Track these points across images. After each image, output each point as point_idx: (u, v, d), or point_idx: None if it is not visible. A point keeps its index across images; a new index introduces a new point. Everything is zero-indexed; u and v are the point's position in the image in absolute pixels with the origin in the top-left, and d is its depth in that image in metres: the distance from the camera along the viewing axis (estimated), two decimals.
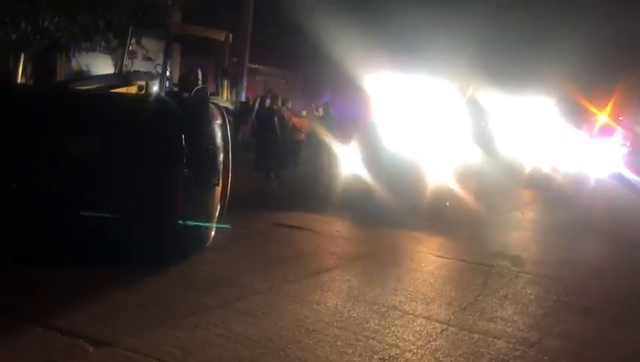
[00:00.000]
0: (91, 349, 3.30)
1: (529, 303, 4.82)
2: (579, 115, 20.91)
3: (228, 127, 5.60)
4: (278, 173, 10.99)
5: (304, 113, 12.90)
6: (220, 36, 10.56)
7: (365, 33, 16.71)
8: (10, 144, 4.51)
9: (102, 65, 12.57)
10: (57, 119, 4.56)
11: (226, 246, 5.56)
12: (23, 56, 8.60)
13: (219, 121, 5.39)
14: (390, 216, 7.58)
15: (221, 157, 5.36)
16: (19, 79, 8.86)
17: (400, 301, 4.59)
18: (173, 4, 9.77)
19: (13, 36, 7.83)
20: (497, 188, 11.99)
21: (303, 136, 12.45)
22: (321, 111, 13.19)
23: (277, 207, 8.00)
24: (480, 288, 5.12)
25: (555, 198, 11.76)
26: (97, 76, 10.17)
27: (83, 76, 10.50)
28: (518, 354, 3.79)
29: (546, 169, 14.07)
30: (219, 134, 5.28)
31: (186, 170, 4.71)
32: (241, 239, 5.99)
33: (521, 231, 8.15)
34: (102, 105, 5.13)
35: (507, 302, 4.80)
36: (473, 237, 7.32)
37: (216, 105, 5.74)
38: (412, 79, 11.59)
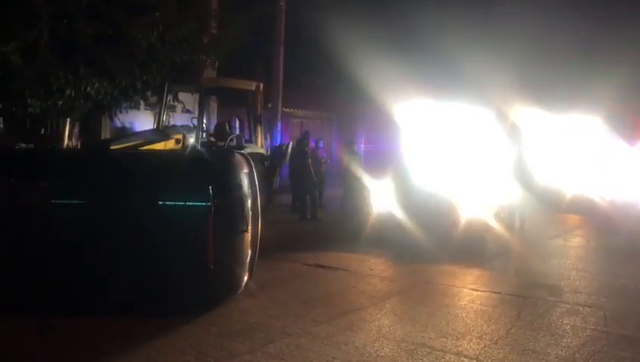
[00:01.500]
0: None
1: (564, 334, 4.72)
2: (631, 133, 20.09)
3: (255, 175, 5.82)
4: (315, 213, 11.14)
5: (321, 143, 13.09)
6: (251, 86, 11.02)
7: (398, 65, 16.93)
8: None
9: (144, 121, 13.28)
10: (90, 179, 4.91)
11: (258, 290, 5.71)
12: (68, 120, 9.20)
13: (246, 170, 5.62)
14: (424, 252, 7.56)
15: (249, 204, 5.55)
16: (65, 141, 9.47)
17: (430, 337, 4.59)
18: (205, 61, 10.27)
19: (60, 103, 8.42)
20: (538, 216, 11.74)
21: (323, 169, 12.62)
22: (353, 148, 13.31)
23: (311, 248, 8.10)
24: (513, 320, 5.05)
25: (601, 224, 11.37)
26: (137, 133, 10.76)
27: (123, 134, 11.10)
28: None
29: (590, 193, 13.61)
30: (246, 182, 5.50)
31: (215, 219, 4.92)
32: (274, 283, 6.13)
33: (561, 258, 7.94)
34: (134, 162, 5.47)
35: (541, 334, 4.71)
36: (510, 269, 7.20)
37: (243, 154, 5.98)
38: (445, 107, 11.61)
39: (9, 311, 4.57)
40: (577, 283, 6.53)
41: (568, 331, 4.80)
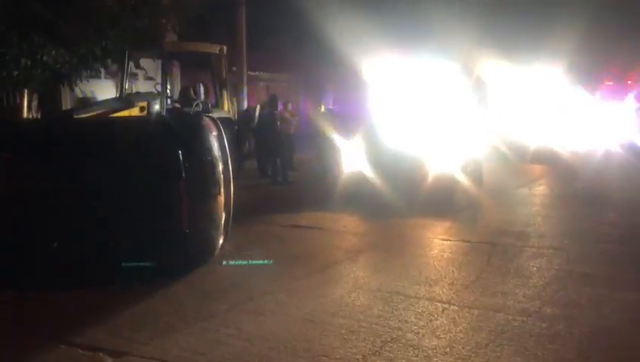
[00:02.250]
0: (110, 360, 3.52)
1: (531, 275, 4.95)
2: (589, 83, 20.46)
3: (225, 138, 5.78)
4: (286, 175, 11.16)
5: (290, 106, 13.03)
6: (215, 49, 10.82)
7: (363, 22, 16.79)
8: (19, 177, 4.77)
9: (106, 90, 12.95)
10: (59, 148, 4.81)
11: (235, 253, 5.76)
12: (26, 91, 8.90)
13: (215, 133, 5.58)
14: (396, 208, 7.70)
15: (220, 167, 5.54)
16: (24, 113, 9.19)
17: (403, 286, 4.75)
18: (166, 25, 9.99)
19: (15, 73, 8.13)
20: (505, 167, 12.07)
21: (292, 130, 12.59)
22: (323, 107, 13.31)
23: (286, 210, 8.16)
24: (483, 266, 5.26)
25: (564, 172, 11.77)
26: (100, 102, 10.49)
27: (86, 103, 10.82)
28: (516, 324, 3.92)
29: (553, 143, 13.98)
30: (215, 145, 5.47)
31: (186, 183, 4.92)
32: (251, 245, 6.18)
33: (527, 206, 8.23)
34: (100, 131, 5.38)
35: (509, 277, 4.93)
36: (479, 218, 7.43)
37: (212, 117, 5.93)
38: (411, 64, 11.64)
39: None
40: (542, 228, 6.81)
41: (535, 272, 5.04)
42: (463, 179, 9.04)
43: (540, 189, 9.76)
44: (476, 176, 9.81)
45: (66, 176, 4.96)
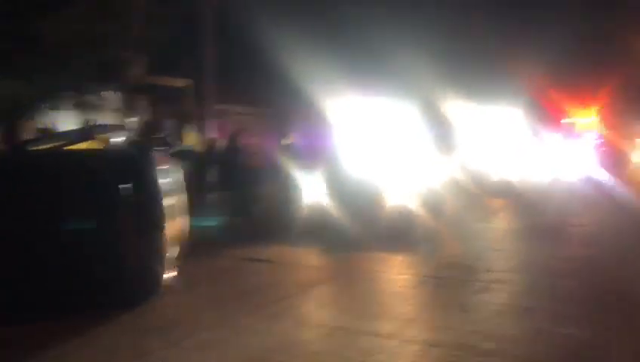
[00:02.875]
0: None
1: (472, 309, 5.01)
2: (549, 119, 21.14)
3: (180, 172, 5.82)
4: (247, 208, 11.13)
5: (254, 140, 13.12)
6: (180, 84, 10.90)
7: (327, 60, 17.16)
8: None
9: (68, 121, 12.85)
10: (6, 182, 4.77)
11: (184, 287, 5.71)
12: None
13: (164, 166, 5.61)
14: (353, 241, 7.78)
15: (170, 201, 5.54)
16: None
17: (347, 320, 4.77)
18: (132, 59, 10.05)
19: None
20: (466, 201, 12.28)
21: (255, 163, 12.64)
22: (286, 141, 13.36)
23: (243, 243, 8.12)
24: (428, 300, 5.33)
25: (523, 206, 12.03)
26: (59, 133, 10.37)
27: (45, 135, 10.69)
28: (454, 359, 3.96)
29: (514, 177, 14.35)
30: (165, 180, 5.49)
31: (127, 217, 4.90)
32: (201, 279, 6.14)
33: (481, 240, 8.35)
34: (46, 164, 5.34)
35: (452, 311, 4.98)
36: (432, 252, 7.50)
37: (163, 150, 5.96)
38: (373, 102, 11.94)
39: None
40: (492, 262, 6.92)
41: (478, 307, 5.11)
42: (423, 212, 9.21)
43: (497, 222, 9.95)
44: (436, 209, 10.01)
45: (11, 209, 4.90)
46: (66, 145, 9.07)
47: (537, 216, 10.43)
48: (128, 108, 10.46)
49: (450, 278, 6.05)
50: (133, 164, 5.26)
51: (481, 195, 13.16)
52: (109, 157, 5.59)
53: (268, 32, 16.10)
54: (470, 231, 9.13)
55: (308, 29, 18.33)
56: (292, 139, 13.32)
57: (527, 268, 6.56)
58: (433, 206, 10.00)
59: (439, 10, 20.41)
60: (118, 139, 10.08)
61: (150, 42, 10.28)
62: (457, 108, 16.61)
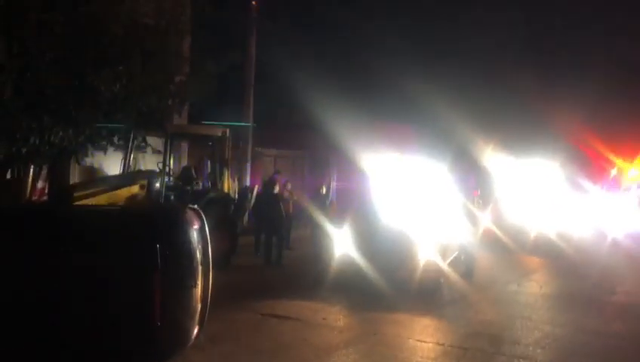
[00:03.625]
0: None
1: None
2: (592, 170, 20.45)
3: (206, 229, 6.00)
4: (280, 255, 11.26)
5: (289, 185, 13.29)
6: (217, 132, 11.29)
7: (366, 108, 17.48)
8: None
9: (113, 162, 13.43)
10: (37, 239, 5.05)
11: (208, 344, 5.83)
12: (32, 167, 9.33)
13: (196, 226, 5.79)
14: (380, 299, 7.78)
15: (199, 258, 5.72)
16: (29, 186, 9.58)
17: None
18: (172, 108, 10.53)
19: (24, 150, 8.57)
20: (501, 258, 12.08)
21: (290, 209, 12.81)
22: (323, 190, 13.42)
23: (269, 296, 8.20)
24: None
25: (561, 267, 11.70)
26: (102, 178, 10.91)
27: (89, 179, 11.23)
28: None
29: (554, 233, 13.79)
30: (195, 238, 5.66)
31: (162, 276, 5.08)
32: (224, 335, 6.24)
33: (509, 306, 8.20)
34: (82, 221, 5.63)
35: None
36: (458, 317, 7.42)
37: (195, 209, 6.16)
38: (408, 159, 12.02)
39: None
40: (519, 332, 6.77)
41: None
42: (453, 272, 9.12)
43: (529, 286, 9.71)
44: (467, 269, 9.89)
45: (42, 264, 5.14)
46: (107, 190, 9.59)
47: (576, 281, 10.16)
48: (165, 155, 10.86)
49: (474, 349, 5.96)
50: (168, 223, 5.48)
51: (517, 252, 12.91)
52: (144, 215, 5.84)
53: (306, 79, 16.61)
54: (501, 295, 8.98)
55: (345, 74, 18.82)
56: (326, 187, 13.49)
57: (552, 343, 6.38)
58: (465, 264, 9.91)
59: (475, 60, 20.53)
60: (157, 184, 10.58)
61: (192, 92, 10.74)
62: (494, 160, 16.47)
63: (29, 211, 6.07)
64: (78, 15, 7.79)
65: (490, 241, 12.48)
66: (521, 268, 11.47)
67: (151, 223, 5.49)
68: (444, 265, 8.92)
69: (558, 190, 15.80)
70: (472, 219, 11.50)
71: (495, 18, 20.74)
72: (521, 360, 5.69)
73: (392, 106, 18.77)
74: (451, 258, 9.35)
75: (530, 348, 6.07)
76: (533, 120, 19.86)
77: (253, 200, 11.87)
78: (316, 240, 11.19)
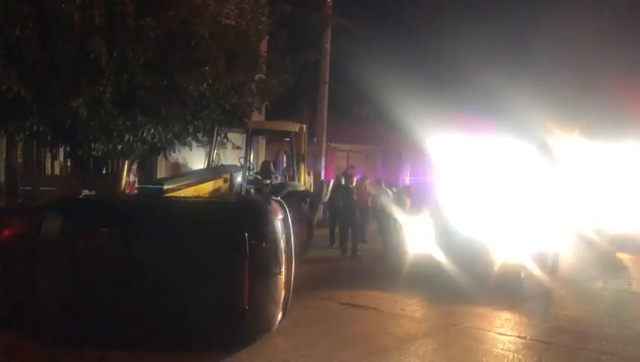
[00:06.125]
0: None
1: None
2: None
3: (289, 219, 6.30)
4: (356, 249, 11.46)
5: (367, 180, 13.36)
6: (295, 128, 11.66)
7: (439, 98, 17.21)
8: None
9: (196, 158, 14.18)
10: (139, 226, 5.54)
11: (291, 329, 6.11)
12: (126, 162, 10.05)
13: (280, 216, 6.11)
14: (458, 293, 7.76)
15: (283, 247, 6.02)
16: (124, 179, 10.34)
17: None
18: (252, 106, 10.95)
19: (119, 146, 9.27)
20: (586, 255, 11.58)
21: (369, 203, 12.87)
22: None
23: (347, 286, 8.40)
24: None
25: None
26: (188, 173, 11.58)
27: (176, 173, 11.93)
28: None
29: None
30: (279, 228, 5.98)
31: (250, 263, 5.42)
32: (307, 321, 6.50)
33: (595, 303, 7.91)
34: (177, 211, 6.10)
35: None
36: (541, 312, 7.27)
37: (279, 201, 6.47)
38: (485, 143, 11.75)
39: (72, 343, 5.21)
40: (606, 329, 6.55)
41: None
42: (535, 268, 8.88)
43: (617, 283, 9.30)
44: (550, 265, 9.57)
45: (144, 250, 5.64)
46: (194, 183, 10.19)
47: None
48: (246, 151, 11.33)
49: (557, 344, 5.86)
50: (255, 214, 5.83)
51: (604, 248, 12.33)
52: (233, 207, 6.23)
53: (380, 71, 16.62)
54: (584, 291, 8.67)
55: (418, 68, 18.61)
56: (404, 182, 13.52)
57: None
58: (548, 260, 9.60)
59: (557, 42, 19.52)
60: (238, 178, 11.09)
61: (269, 91, 11.08)
62: (578, 147, 15.63)
63: (134, 201, 6.65)
64: (169, 19, 8.30)
65: (574, 236, 11.97)
66: (609, 265, 10.97)
67: (240, 214, 5.88)
68: (525, 261, 8.71)
69: None
70: (555, 212, 11.09)
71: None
72: (608, 356, 5.53)
73: (468, 99, 18.38)
74: (533, 253, 9.10)
75: (620, 345, 5.88)
76: (620, 101, 18.24)
77: (328, 194, 12.12)
78: (386, 233, 11.27)
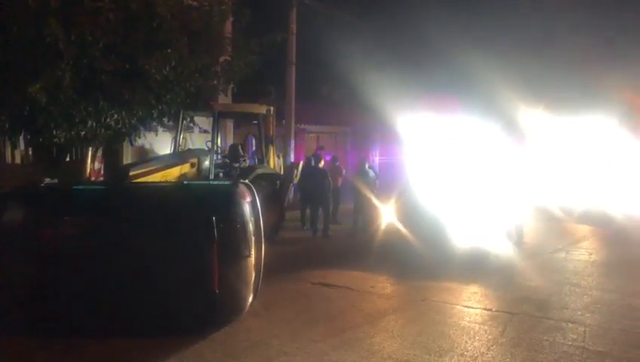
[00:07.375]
0: None
1: (541, 349, 5.05)
2: None
3: (258, 202, 6.30)
4: (327, 228, 11.52)
5: (337, 161, 13.44)
6: (262, 110, 11.58)
7: (406, 77, 17.28)
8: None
9: (162, 142, 13.96)
10: (104, 213, 5.47)
11: (263, 310, 6.16)
12: (90, 148, 9.84)
13: (248, 199, 6.11)
14: (426, 268, 7.92)
15: (252, 230, 6.03)
16: (88, 166, 10.14)
17: (414, 354, 4.98)
18: (217, 88, 10.83)
19: (82, 133, 9.06)
20: (549, 227, 11.97)
21: (339, 184, 12.94)
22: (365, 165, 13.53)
23: (318, 266, 8.47)
24: (496, 337, 5.40)
25: (610, 235, 11.49)
26: (155, 158, 11.38)
27: (142, 159, 11.73)
28: None
29: (604, 202, 13.28)
30: (247, 211, 5.98)
31: (219, 247, 5.42)
32: (278, 302, 6.57)
33: (558, 273, 8.19)
34: (142, 197, 6.03)
35: (519, 350, 5.05)
36: (506, 284, 7.48)
37: (247, 184, 6.46)
38: (451, 120, 11.95)
39: (41, 334, 5.14)
40: (567, 298, 6.81)
41: (546, 347, 5.13)
42: (500, 241, 9.13)
43: (577, 254, 9.63)
44: (515, 238, 9.86)
45: (110, 237, 5.57)
46: (160, 169, 10.04)
47: (623, 248, 10.00)
48: (213, 134, 11.21)
49: (521, 314, 6.07)
50: (223, 198, 5.81)
51: (566, 221, 12.74)
52: (201, 191, 6.19)
53: (347, 52, 16.59)
54: (547, 262, 8.96)
55: (385, 48, 18.64)
56: (374, 159, 13.60)
57: (601, 308, 6.40)
58: (513, 233, 9.89)
59: (524, 17, 19.76)
60: (206, 162, 10.98)
61: (234, 73, 10.95)
62: (542, 121, 15.93)
63: (100, 188, 6.54)
64: (129, 0, 8.09)
65: (537, 210, 12.32)
66: (569, 237, 11.34)
67: (208, 198, 5.85)
68: (490, 235, 8.95)
69: (614, 152, 14.99)
70: (518, 186, 11.35)
71: None
72: (569, 324, 5.76)
73: (436, 79, 18.51)
74: (497, 228, 9.35)
75: (579, 313, 6.13)
76: (587, 74, 18.37)
77: (298, 176, 12.12)
78: (361, 212, 11.41)
